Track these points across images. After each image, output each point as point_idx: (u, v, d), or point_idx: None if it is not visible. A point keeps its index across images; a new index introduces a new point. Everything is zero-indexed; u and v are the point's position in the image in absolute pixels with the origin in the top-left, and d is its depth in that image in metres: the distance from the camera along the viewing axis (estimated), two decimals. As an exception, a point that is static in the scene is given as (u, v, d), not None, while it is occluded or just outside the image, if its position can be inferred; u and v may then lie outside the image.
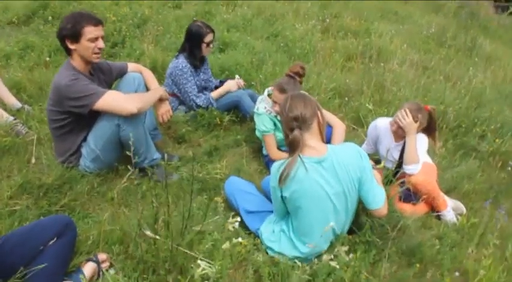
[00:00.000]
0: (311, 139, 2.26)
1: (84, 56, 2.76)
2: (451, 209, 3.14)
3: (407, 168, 3.02)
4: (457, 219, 3.13)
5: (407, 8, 10.37)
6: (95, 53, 2.78)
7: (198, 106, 3.79)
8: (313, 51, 5.98)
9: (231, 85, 3.93)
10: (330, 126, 3.26)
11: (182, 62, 3.76)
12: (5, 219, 2.37)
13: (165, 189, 1.88)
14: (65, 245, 1.98)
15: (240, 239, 1.85)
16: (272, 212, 2.54)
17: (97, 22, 2.76)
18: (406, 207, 3.02)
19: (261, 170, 3.38)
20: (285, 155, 3.06)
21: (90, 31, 2.71)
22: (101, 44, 2.77)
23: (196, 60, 3.85)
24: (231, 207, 2.77)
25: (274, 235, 2.45)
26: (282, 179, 2.16)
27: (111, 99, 2.65)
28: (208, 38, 3.80)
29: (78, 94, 2.63)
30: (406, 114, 3.04)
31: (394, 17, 9.27)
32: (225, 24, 6.60)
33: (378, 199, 2.33)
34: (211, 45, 3.86)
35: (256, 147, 3.61)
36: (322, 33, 7.13)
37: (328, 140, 2.96)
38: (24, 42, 4.83)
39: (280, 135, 3.23)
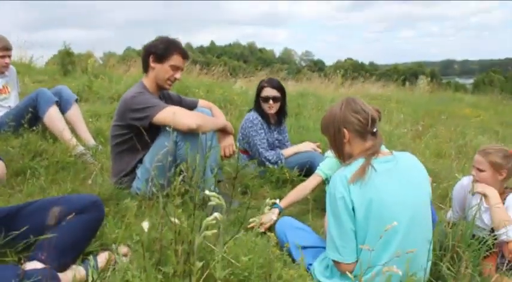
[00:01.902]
0: None
1: (159, 78, 2.79)
2: None
3: (499, 232, 2.45)
4: None
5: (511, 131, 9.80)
6: (169, 80, 2.81)
7: (266, 160, 3.59)
8: (400, 145, 5.70)
9: (305, 144, 3.72)
10: None
11: (253, 114, 3.67)
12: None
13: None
14: (84, 221, 1.77)
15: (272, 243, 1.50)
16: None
17: (186, 56, 2.85)
18: (508, 282, 2.39)
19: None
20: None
21: (177, 59, 2.78)
22: (178, 75, 2.82)
23: (263, 117, 3.69)
24: (282, 246, 2.40)
25: (328, 270, 2.05)
26: (354, 179, 1.83)
27: (171, 113, 2.58)
28: (264, 92, 3.63)
29: (141, 105, 2.61)
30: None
31: (494, 136, 8.76)
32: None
33: None
34: (270, 102, 3.63)
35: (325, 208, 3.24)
36: (413, 139, 6.87)
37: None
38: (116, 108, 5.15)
39: None
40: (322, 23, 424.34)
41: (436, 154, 5.55)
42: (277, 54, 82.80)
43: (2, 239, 1.60)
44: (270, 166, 3.62)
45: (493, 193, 2.56)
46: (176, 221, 1.68)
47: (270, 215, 2.70)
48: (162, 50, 2.76)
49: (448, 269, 2.08)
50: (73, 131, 3.58)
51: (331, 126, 2.02)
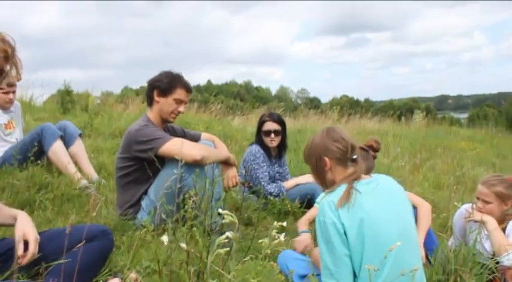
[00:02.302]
0: None
1: (163, 111, 2.86)
2: None
3: (501, 259, 2.48)
4: None
5: (508, 162, 9.87)
6: (173, 113, 2.89)
7: (269, 193, 3.64)
8: (399, 178, 5.75)
9: (305, 177, 3.78)
10: (414, 207, 2.92)
11: (255, 147, 3.75)
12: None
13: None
14: (94, 249, 1.81)
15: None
16: None
17: (189, 90, 2.94)
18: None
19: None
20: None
21: (180, 93, 2.87)
22: (182, 108, 2.91)
23: (265, 150, 3.77)
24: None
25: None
26: (341, 204, 1.87)
27: (177, 144, 2.64)
28: (266, 126, 3.72)
29: (146, 137, 2.68)
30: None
31: (491, 168, 8.82)
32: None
33: None
34: (271, 135, 3.73)
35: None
36: (411, 171, 6.93)
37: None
38: (117, 143, 5.21)
39: None
40: (316, 61, 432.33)
41: (434, 186, 5.61)
42: (274, 92, 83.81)
43: (15, 266, 1.63)
44: (272, 198, 3.67)
45: (490, 219, 2.60)
46: (184, 245, 1.73)
47: (306, 238, 2.82)
48: (166, 84, 2.85)
49: (452, 293, 2.10)
50: (76, 165, 3.64)
51: (313, 155, 2.10)
